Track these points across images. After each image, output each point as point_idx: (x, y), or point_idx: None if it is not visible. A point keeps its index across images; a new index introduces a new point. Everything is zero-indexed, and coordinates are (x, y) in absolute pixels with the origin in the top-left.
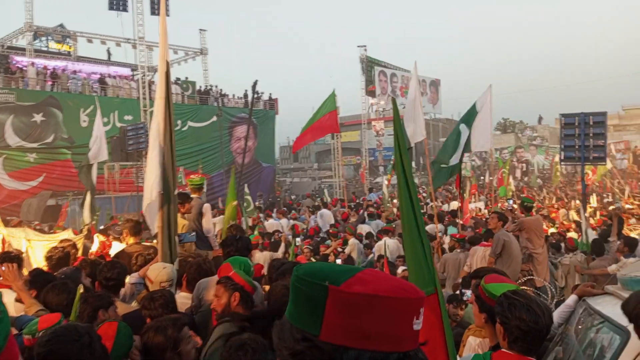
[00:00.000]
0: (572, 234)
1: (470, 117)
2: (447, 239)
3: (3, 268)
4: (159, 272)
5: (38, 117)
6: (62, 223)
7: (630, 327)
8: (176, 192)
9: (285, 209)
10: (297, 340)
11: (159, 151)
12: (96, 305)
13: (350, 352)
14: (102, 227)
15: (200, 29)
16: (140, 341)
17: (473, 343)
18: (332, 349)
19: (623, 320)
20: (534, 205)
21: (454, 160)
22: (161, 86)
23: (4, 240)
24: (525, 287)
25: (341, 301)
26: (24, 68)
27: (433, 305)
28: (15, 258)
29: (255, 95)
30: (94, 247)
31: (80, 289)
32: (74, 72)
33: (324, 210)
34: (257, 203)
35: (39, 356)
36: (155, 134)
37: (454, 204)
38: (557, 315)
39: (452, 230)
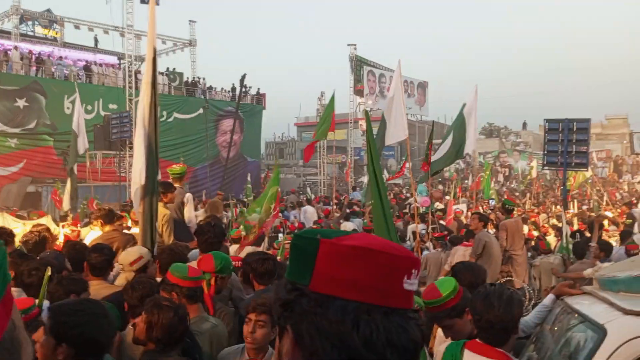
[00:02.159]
0: (551, 238)
1: (459, 122)
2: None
3: None
4: (123, 255)
5: (21, 102)
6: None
7: (608, 325)
8: (158, 178)
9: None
10: (288, 290)
11: (144, 137)
12: (69, 289)
13: (337, 302)
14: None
15: (190, 20)
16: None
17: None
18: (320, 298)
19: (600, 318)
20: (515, 208)
21: (434, 158)
22: (148, 72)
23: None
24: None
25: (331, 252)
26: (8, 52)
27: None
28: (7, 234)
29: (243, 90)
30: (61, 239)
31: (48, 272)
32: (60, 58)
33: (307, 207)
34: (240, 197)
35: (64, 325)
36: (141, 120)
37: (437, 205)
38: (534, 314)
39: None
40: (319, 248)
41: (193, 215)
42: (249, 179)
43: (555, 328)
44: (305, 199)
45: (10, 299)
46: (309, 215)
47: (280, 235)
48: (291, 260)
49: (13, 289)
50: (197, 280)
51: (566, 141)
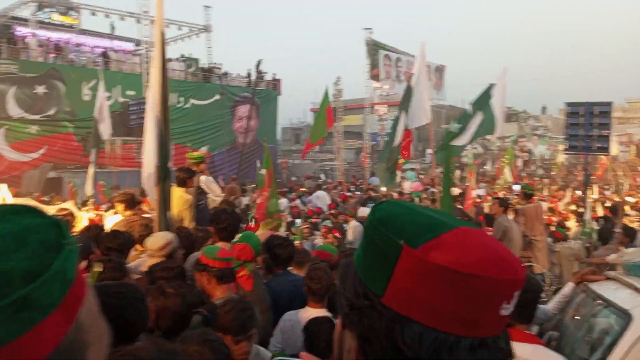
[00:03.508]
0: (571, 223)
1: (484, 100)
2: None
3: None
4: (151, 241)
5: (40, 89)
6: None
7: (633, 311)
8: (170, 164)
9: (286, 189)
10: (357, 294)
11: (155, 123)
12: (109, 276)
13: (415, 327)
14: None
15: (205, 6)
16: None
17: None
18: (394, 317)
19: (625, 304)
20: (535, 193)
21: (461, 142)
22: (157, 57)
23: None
24: None
25: (414, 267)
26: (27, 39)
27: None
28: None
29: (259, 75)
30: (85, 223)
31: (100, 268)
32: (77, 45)
33: (318, 192)
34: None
35: (105, 306)
36: (151, 105)
37: (454, 191)
38: (554, 303)
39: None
40: (400, 256)
41: (219, 191)
42: (258, 164)
43: (578, 314)
44: (316, 184)
45: (75, 302)
46: (322, 200)
47: (297, 220)
48: (365, 253)
49: None
50: (227, 262)
51: (587, 125)
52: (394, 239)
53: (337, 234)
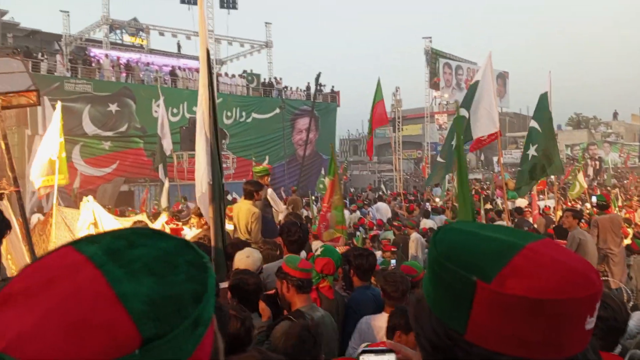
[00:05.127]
0: None
1: (548, 115)
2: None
3: None
4: (239, 259)
5: (113, 107)
6: (145, 209)
7: None
8: (222, 180)
9: (346, 201)
10: (438, 334)
11: (205, 141)
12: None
13: (504, 359)
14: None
15: (266, 22)
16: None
17: None
18: (480, 353)
19: None
20: (610, 204)
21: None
22: (203, 74)
23: (96, 224)
24: None
25: (492, 301)
26: (100, 60)
27: None
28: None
29: (318, 88)
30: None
31: None
32: (147, 64)
33: (379, 204)
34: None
35: None
36: (201, 123)
37: (520, 202)
38: (637, 321)
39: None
40: (476, 292)
41: (283, 207)
42: (322, 172)
43: None
44: (377, 195)
45: (213, 323)
46: (382, 211)
47: (357, 233)
48: (437, 290)
49: None
50: (307, 272)
51: None
52: (465, 275)
53: (393, 249)
